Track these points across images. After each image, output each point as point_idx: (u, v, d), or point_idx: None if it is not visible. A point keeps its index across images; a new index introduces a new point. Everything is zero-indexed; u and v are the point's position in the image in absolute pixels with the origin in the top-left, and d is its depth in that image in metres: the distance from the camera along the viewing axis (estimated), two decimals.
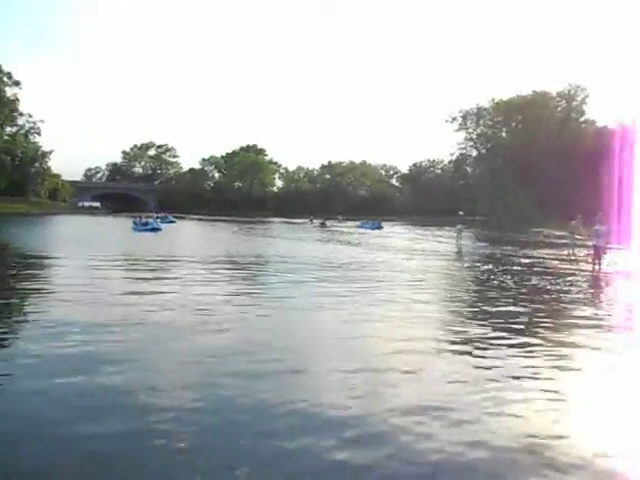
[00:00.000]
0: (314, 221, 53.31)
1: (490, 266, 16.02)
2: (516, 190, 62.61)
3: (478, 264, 16.71)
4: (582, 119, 71.40)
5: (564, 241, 29.52)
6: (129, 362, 5.24)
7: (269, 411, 4.08)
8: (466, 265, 16.70)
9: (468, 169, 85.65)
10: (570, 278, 13.70)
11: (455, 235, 27.99)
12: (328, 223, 51.11)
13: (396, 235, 37.54)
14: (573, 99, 70.92)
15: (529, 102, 69.98)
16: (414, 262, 17.20)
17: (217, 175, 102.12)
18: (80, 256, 15.77)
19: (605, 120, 68.37)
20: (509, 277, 13.49)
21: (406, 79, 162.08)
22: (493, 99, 73.61)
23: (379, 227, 45.70)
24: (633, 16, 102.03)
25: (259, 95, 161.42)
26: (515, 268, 15.84)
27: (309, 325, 7.47)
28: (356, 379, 4.90)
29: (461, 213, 29.42)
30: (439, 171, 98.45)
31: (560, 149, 62.03)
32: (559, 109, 72.24)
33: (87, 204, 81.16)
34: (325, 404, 4.24)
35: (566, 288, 11.83)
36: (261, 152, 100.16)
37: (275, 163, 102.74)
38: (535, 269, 15.69)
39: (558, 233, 42.58)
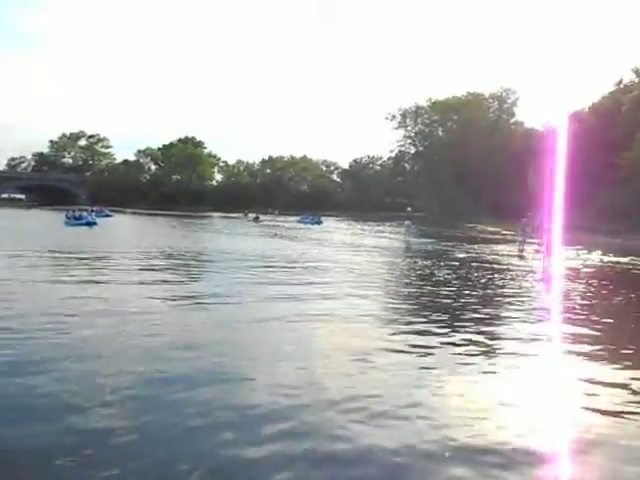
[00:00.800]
0: (249, 215, 53.01)
1: (442, 262, 16.40)
2: (451, 187, 64.89)
3: (426, 260, 17.04)
4: (512, 120, 75.02)
5: (498, 237, 30.88)
6: (42, 370, 4.75)
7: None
8: (415, 260, 16.99)
9: (407, 166, 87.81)
10: (519, 273, 14.33)
11: (404, 231, 28.56)
12: (263, 217, 50.79)
13: (337, 230, 37.90)
14: (504, 101, 74.34)
15: (464, 103, 72.73)
16: (358, 257, 17.30)
17: (153, 167, 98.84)
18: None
19: (533, 122, 72.32)
20: (458, 272, 13.85)
21: (346, 76, 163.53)
22: (430, 99, 75.88)
23: (318, 222, 45.92)
24: (559, 24, 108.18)
25: (196, 87, 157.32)
26: (466, 264, 16.32)
27: (252, 328, 7.25)
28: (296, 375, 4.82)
29: (409, 209, 30.06)
30: (378, 167, 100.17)
31: (492, 148, 64.85)
32: (491, 110, 75.53)
33: (9, 195, 75.86)
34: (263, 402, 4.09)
35: (514, 283, 12.28)
36: (199, 145, 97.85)
37: (214, 156, 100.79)
38: (484, 265, 16.22)
39: (491, 229, 44.69)
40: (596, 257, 20.44)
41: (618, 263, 18.77)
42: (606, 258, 20.21)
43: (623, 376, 5.22)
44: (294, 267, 13.79)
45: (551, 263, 15.24)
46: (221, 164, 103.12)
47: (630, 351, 6.35)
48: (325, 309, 8.05)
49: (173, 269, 12.61)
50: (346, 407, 4.09)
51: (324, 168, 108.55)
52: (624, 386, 4.90)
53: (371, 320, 7.45)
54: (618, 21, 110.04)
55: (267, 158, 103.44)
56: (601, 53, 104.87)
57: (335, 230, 37.77)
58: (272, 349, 5.75)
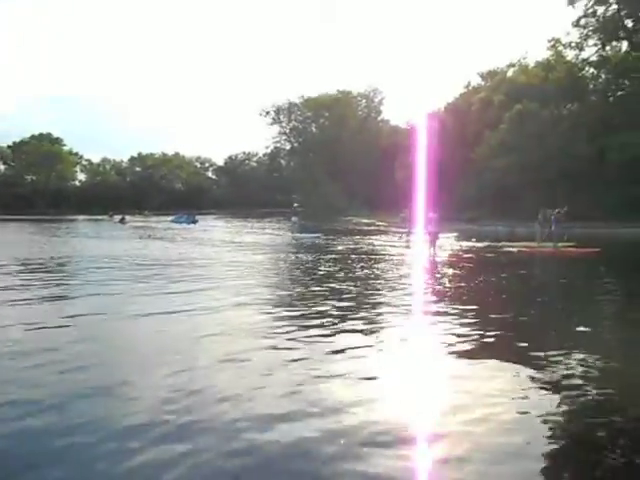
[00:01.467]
0: (114, 217, 49.58)
1: (327, 255, 16.69)
2: (327, 182, 66.94)
3: (311, 254, 17.24)
4: (380, 118, 79.43)
5: (373, 228, 32.40)
6: None
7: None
8: (299, 255, 17.10)
9: (282, 162, 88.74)
10: (400, 261, 15.11)
11: (291, 227, 28.67)
12: (130, 219, 47.70)
13: (215, 229, 36.98)
14: (372, 100, 78.42)
15: (334, 100, 75.38)
16: (240, 255, 16.98)
17: (2, 167, 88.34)
18: None
19: (398, 120, 77.36)
20: (342, 263, 14.20)
21: (218, 70, 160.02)
22: (303, 96, 77.44)
23: (194, 221, 44.51)
24: (418, 31, 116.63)
25: (48, 78, 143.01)
26: (350, 255, 16.78)
27: (120, 335, 6.74)
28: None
29: (296, 205, 30.24)
30: (255, 164, 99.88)
31: (363, 145, 68.04)
32: (360, 108, 79.22)
33: None
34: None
35: (394, 271, 12.88)
36: (57, 141, 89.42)
37: (76, 154, 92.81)
38: (365, 255, 16.81)
39: (366, 221, 46.96)
40: (464, 243, 22.42)
41: (482, 247, 20.71)
42: (470, 243, 22.30)
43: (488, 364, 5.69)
44: (169, 266, 13.15)
45: (436, 251, 16.45)
46: (84, 162, 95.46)
47: (498, 332, 6.99)
48: (207, 308, 7.78)
49: (28, 284, 11.06)
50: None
51: (198, 165, 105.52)
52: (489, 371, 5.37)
53: (257, 319, 7.33)
54: (469, 29, 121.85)
55: (136, 155, 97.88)
56: (455, 56, 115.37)
57: (213, 229, 36.82)
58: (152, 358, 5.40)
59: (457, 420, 3.87)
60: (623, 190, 32.53)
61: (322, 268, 13.44)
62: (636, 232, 26.24)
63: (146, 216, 56.91)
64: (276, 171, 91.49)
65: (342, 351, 5.60)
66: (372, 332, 6.52)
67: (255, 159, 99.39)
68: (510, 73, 50.20)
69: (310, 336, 6.20)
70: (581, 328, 6.87)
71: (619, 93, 40.18)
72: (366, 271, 12.80)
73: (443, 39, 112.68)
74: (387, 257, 16.43)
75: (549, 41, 42.76)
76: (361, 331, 6.54)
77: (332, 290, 9.78)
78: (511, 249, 19.28)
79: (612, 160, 33.66)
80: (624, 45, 39.50)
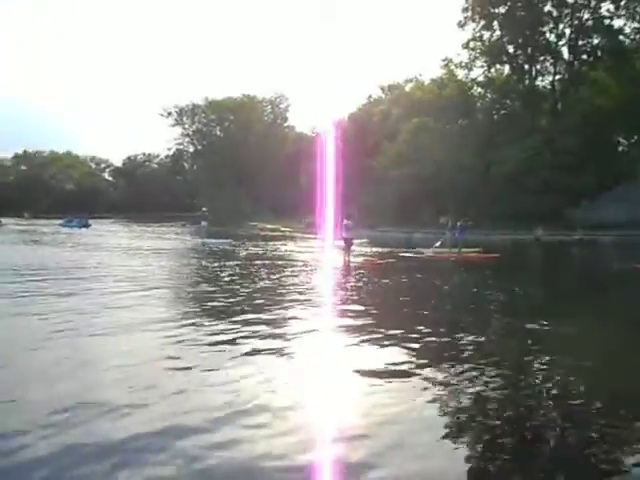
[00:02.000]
0: None
1: (233, 261, 16.41)
2: (233, 187, 66.17)
3: (220, 260, 16.88)
4: (286, 124, 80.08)
5: (278, 234, 32.53)
6: None
7: None
8: (202, 262, 16.67)
9: (186, 165, 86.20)
10: (314, 268, 15.25)
11: (197, 232, 27.73)
12: (6, 221, 43.48)
13: (110, 233, 34.99)
14: (278, 106, 78.85)
15: (239, 104, 74.78)
16: (135, 262, 16.18)
17: None
18: None
19: (303, 127, 78.52)
20: (251, 269, 14.08)
21: (115, 67, 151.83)
22: (207, 98, 75.90)
23: (86, 225, 41.81)
24: (326, 38, 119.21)
25: None
26: (258, 261, 16.60)
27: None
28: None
29: (204, 209, 29.16)
30: (156, 166, 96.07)
31: (269, 150, 68.23)
32: (266, 114, 79.30)
33: None
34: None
35: (304, 277, 13.01)
36: None
37: None
38: (273, 261, 16.77)
39: (271, 226, 47.06)
40: (368, 249, 23.23)
41: (391, 253, 21.60)
42: (381, 249, 23.17)
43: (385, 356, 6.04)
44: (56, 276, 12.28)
45: (350, 257, 16.66)
46: None
47: (398, 331, 7.40)
48: (105, 323, 7.39)
49: None
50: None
51: (93, 165, 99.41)
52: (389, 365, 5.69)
53: (156, 329, 7.10)
54: (373, 43, 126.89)
55: (22, 153, 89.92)
56: (359, 68, 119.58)
57: (108, 233, 34.79)
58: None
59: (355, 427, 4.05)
60: (506, 201, 35.71)
61: (227, 275, 13.28)
62: (516, 238, 28.99)
63: (27, 219, 52.20)
64: (179, 174, 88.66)
65: (238, 358, 5.60)
66: (275, 338, 6.58)
67: (156, 161, 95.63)
68: (408, 88, 53.21)
69: (212, 343, 6.13)
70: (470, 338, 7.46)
71: (502, 112, 44.13)
72: (276, 277, 12.87)
73: (348, 50, 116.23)
74: (298, 263, 16.59)
75: (442, 60, 45.93)
76: (264, 336, 6.57)
77: (240, 300, 9.71)
78: (419, 255, 20.23)
79: (496, 173, 36.83)
80: (507, 68, 43.50)
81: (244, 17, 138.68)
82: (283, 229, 43.51)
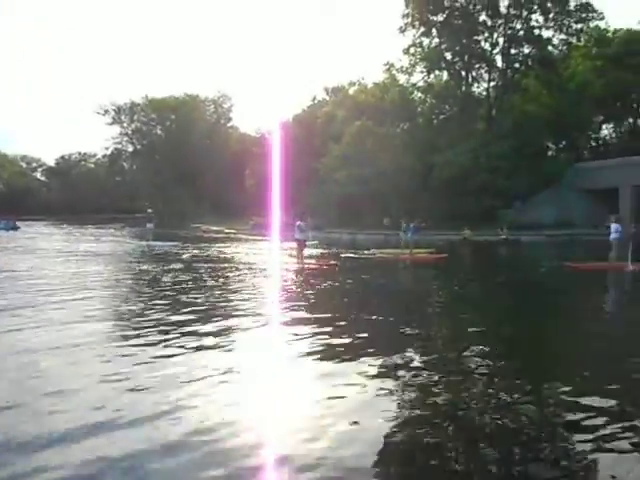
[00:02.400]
0: None
1: (177, 264, 16.00)
2: (175, 187, 64.55)
3: (157, 264, 16.39)
4: (229, 124, 79.10)
5: (223, 235, 32.05)
6: None
7: None
8: (143, 265, 16.13)
9: (125, 165, 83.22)
10: (264, 270, 15.08)
11: (144, 233, 26.68)
12: None
13: (43, 236, 33.26)
14: (221, 105, 77.73)
15: (181, 103, 73.04)
16: (70, 266, 15.48)
17: None
18: None
19: (247, 127, 77.89)
20: (198, 273, 13.76)
21: (49, 62, 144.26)
22: (147, 96, 73.68)
23: (14, 227, 39.50)
24: (271, 39, 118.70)
25: None
26: (203, 264, 16.29)
27: None
28: None
29: (150, 211, 28.10)
30: (92, 165, 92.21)
31: (212, 150, 67.11)
32: (209, 113, 77.95)
33: None
34: None
35: (249, 279, 12.86)
36: None
37: None
38: (220, 264, 16.48)
39: (215, 228, 46.25)
40: (319, 250, 23.27)
41: (335, 253, 21.80)
42: (325, 250, 23.31)
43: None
44: None
45: (302, 258, 16.45)
46: None
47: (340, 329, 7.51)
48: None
49: None
50: None
51: (24, 165, 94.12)
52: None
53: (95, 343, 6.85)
54: (319, 45, 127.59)
55: None
56: (304, 70, 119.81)
57: (40, 236, 33.06)
58: None
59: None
60: (446, 202, 36.93)
61: (169, 280, 12.95)
62: (449, 238, 30.01)
63: None
64: (117, 174, 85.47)
65: (172, 357, 5.52)
66: (216, 345, 6.51)
67: (93, 160, 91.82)
68: (351, 91, 53.95)
69: (154, 357, 5.99)
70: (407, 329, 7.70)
71: (441, 117, 45.63)
72: (222, 280, 12.69)
73: (294, 52, 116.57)
74: (244, 266, 16.37)
75: (385, 64, 46.89)
76: (206, 348, 6.48)
77: (179, 301, 9.52)
78: (371, 256, 20.52)
79: (436, 176, 38.02)
80: (445, 74, 44.97)
81: (187, 15, 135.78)
82: (228, 231, 42.89)
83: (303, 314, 8.58)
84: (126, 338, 6.71)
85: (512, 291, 12.65)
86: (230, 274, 14.05)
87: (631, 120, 48.24)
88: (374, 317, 8.51)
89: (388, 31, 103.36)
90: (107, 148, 77.07)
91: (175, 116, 73.26)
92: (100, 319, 7.94)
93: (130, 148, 77.33)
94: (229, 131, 77.52)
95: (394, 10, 67.87)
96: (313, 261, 17.02)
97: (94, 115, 73.06)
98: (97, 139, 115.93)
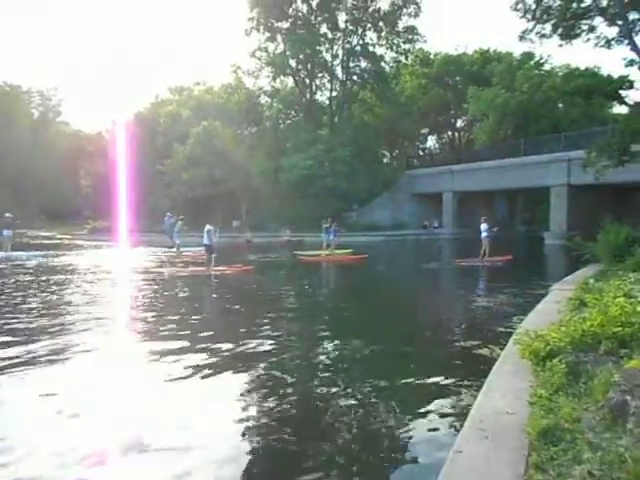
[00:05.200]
0: None
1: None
2: None
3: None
4: (59, 119, 71.60)
5: (57, 241, 29.01)
6: None
7: None
8: None
9: None
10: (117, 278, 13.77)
11: (1, 242, 22.32)
12: None
13: None
14: (49, 99, 70.06)
15: None
16: None
17: None
18: None
19: (85, 125, 71.32)
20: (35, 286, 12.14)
21: None
22: None
23: None
24: (107, 35, 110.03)
25: None
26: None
27: None
28: None
29: (8, 215, 23.55)
30: None
31: (39, 148, 60.11)
32: (33, 106, 69.69)
33: None
34: None
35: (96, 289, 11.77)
36: None
37: None
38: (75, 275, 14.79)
39: (45, 234, 41.42)
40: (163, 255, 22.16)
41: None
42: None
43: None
44: None
45: (211, 265, 15.70)
46: None
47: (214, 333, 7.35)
48: None
49: None
50: None
51: None
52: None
53: None
54: (160, 43, 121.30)
55: None
56: (145, 68, 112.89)
57: None
58: None
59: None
60: (294, 204, 38.12)
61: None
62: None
63: None
64: None
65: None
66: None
67: None
68: (197, 91, 52.64)
69: None
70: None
71: (288, 121, 46.90)
72: (52, 297, 11.47)
73: (136, 48, 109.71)
74: (85, 274, 15.00)
75: (232, 66, 46.57)
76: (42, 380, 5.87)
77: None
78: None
79: (285, 179, 39.01)
80: (291, 80, 46.29)
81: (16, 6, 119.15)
82: (61, 236, 38.74)
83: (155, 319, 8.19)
84: None
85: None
86: (66, 286, 12.79)
87: (450, 133, 55.07)
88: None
89: (235, 32, 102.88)
90: None
91: None
92: None
93: None
94: (59, 127, 70.16)
95: (241, 10, 67.75)
96: (224, 267, 16.18)
97: None
98: None
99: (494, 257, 17.90)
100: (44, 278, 13.57)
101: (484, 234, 18.39)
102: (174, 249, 22.31)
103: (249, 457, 3.70)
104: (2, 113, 62.47)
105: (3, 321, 7.93)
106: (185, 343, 6.76)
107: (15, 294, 10.86)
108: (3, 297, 10.44)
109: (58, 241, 28.98)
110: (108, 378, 5.48)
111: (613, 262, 10.88)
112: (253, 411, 4.50)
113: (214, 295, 12.32)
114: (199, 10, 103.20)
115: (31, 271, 15.54)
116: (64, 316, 8.46)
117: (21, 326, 7.71)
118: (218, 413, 4.50)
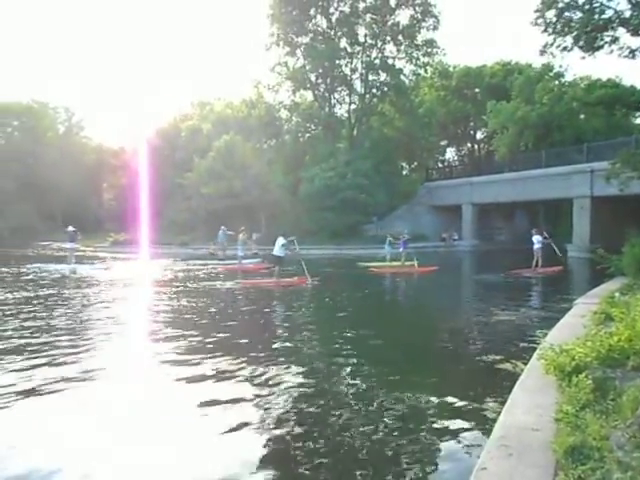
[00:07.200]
0: None
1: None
2: (18, 201, 57.74)
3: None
4: (82, 134, 73.15)
5: (80, 254, 29.45)
6: None
7: None
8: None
9: None
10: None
11: (68, 256, 23.12)
12: None
13: None
14: (73, 114, 71.74)
15: (26, 108, 65.86)
16: None
17: None
18: None
19: (109, 140, 72.80)
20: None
21: None
22: None
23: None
24: (128, 50, 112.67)
25: None
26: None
27: None
28: None
29: (72, 228, 24.24)
30: None
31: (64, 162, 61.45)
32: (59, 121, 71.39)
33: None
34: None
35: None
36: None
37: None
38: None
39: (69, 246, 42.10)
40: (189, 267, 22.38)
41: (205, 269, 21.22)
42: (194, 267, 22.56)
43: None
44: None
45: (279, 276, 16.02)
46: None
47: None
48: None
49: None
50: None
51: None
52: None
53: None
54: (184, 59, 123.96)
55: None
56: (167, 83, 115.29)
57: None
58: None
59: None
60: (312, 216, 38.18)
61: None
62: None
63: None
64: None
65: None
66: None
67: None
68: (217, 106, 53.42)
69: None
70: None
71: (307, 135, 47.23)
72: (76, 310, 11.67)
73: (156, 63, 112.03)
74: (109, 286, 15.26)
75: (252, 81, 47.21)
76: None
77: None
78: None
79: (304, 190, 39.18)
80: (310, 94, 46.70)
81: (38, 18, 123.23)
82: (84, 248, 39.40)
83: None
84: None
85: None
86: (91, 299, 12.99)
87: (469, 144, 54.79)
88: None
89: (256, 47, 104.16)
90: None
91: (18, 123, 65.76)
92: None
93: None
94: (83, 141, 71.68)
95: (262, 26, 68.58)
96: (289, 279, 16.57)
97: None
98: None
99: (547, 268, 18.26)
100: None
101: (537, 245, 18.56)
102: (223, 260, 23.02)
103: None
104: (31, 129, 64.20)
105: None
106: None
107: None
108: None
109: (80, 253, 29.49)
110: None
111: (639, 276, 10.63)
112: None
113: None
114: (220, 27, 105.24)
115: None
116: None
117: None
118: None
